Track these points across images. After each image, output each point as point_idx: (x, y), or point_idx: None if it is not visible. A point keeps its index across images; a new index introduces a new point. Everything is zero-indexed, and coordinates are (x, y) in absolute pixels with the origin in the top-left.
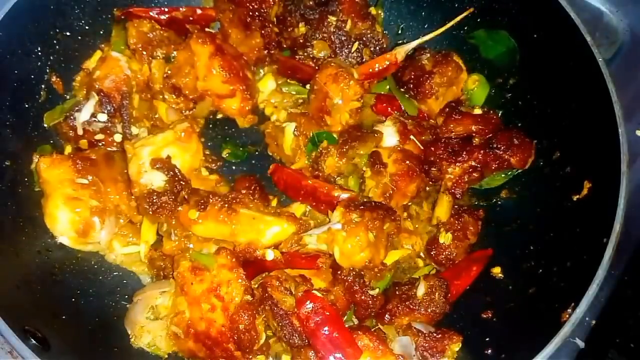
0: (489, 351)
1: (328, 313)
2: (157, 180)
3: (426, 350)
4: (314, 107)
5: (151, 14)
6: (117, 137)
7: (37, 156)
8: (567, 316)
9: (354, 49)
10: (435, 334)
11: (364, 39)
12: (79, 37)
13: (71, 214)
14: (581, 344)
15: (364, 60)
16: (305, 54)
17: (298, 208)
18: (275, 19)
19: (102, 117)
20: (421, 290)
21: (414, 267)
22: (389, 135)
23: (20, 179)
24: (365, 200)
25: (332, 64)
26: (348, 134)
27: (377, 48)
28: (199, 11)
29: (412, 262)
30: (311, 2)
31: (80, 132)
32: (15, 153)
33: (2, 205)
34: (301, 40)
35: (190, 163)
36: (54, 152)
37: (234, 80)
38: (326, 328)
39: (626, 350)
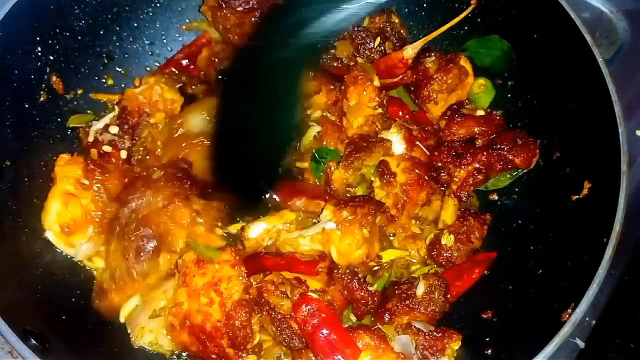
0: (489, 351)
1: (325, 315)
2: None
3: (426, 349)
4: (338, 107)
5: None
6: (123, 154)
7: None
8: (567, 316)
9: (376, 44)
10: (435, 333)
11: (385, 32)
12: (79, 37)
13: (61, 207)
14: (581, 344)
15: (387, 53)
16: (329, 56)
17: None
18: None
19: (114, 129)
20: (421, 289)
21: (413, 268)
22: (396, 143)
23: (20, 179)
24: (351, 196)
25: (358, 67)
26: (354, 145)
27: (399, 41)
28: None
29: (411, 261)
30: None
31: (90, 139)
32: (15, 153)
33: (2, 205)
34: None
35: None
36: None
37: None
38: (324, 330)
39: (626, 350)
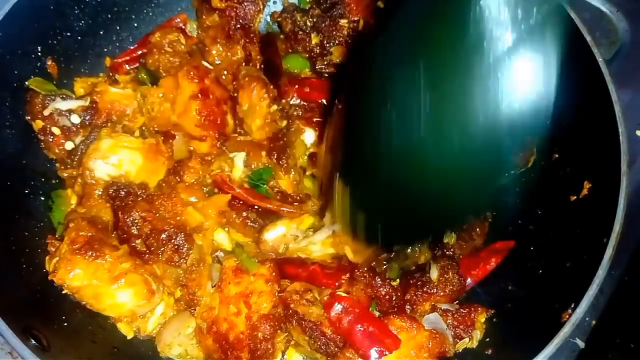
0: (489, 351)
1: (358, 310)
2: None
3: (457, 327)
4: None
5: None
6: (69, 145)
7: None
8: (567, 316)
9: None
10: (462, 310)
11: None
12: (79, 37)
13: (127, 295)
14: (581, 344)
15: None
16: (326, 62)
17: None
18: (284, 35)
19: (75, 119)
20: (434, 273)
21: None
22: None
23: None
24: None
25: (242, 73)
26: (275, 149)
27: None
28: None
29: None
30: (317, 11)
31: (46, 112)
32: (15, 153)
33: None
34: (318, 50)
35: (144, 177)
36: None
37: (208, 127)
38: (360, 325)
39: (626, 350)
